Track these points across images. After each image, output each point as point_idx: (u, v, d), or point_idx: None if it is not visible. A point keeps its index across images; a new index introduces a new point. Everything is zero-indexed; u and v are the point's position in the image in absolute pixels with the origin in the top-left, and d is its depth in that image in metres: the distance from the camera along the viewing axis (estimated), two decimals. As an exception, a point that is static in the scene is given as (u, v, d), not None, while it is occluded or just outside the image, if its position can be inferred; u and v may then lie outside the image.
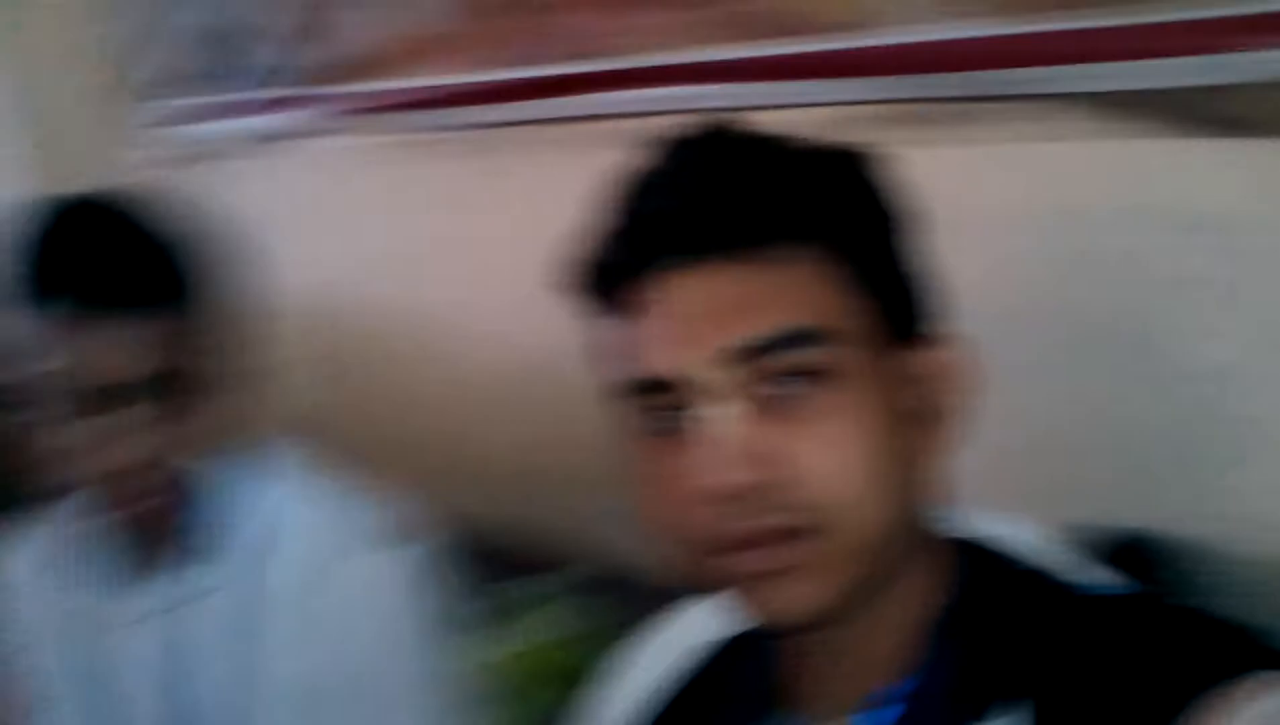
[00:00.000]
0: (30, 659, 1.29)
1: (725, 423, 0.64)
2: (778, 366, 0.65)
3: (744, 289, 0.65)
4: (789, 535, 0.64)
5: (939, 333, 0.72)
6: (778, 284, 0.66)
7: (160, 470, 1.12)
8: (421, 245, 1.91)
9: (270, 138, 2.17)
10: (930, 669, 0.68)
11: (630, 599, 1.21)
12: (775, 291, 0.65)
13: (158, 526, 1.18)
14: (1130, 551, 1.08)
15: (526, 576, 1.64)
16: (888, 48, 1.27)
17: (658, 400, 0.67)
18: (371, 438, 1.80)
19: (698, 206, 0.66)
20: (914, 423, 0.68)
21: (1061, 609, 0.67)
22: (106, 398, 1.06)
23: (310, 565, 1.18)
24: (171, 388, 1.09)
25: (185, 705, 1.20)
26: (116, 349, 1.07)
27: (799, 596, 0.65)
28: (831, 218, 0.68)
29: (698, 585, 0.72)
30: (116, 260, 1.09)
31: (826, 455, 0.64)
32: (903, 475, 0.67)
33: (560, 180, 1.15)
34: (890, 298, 0.69)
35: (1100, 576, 0.70)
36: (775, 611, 0.66)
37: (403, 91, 1.87)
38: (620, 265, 0.69)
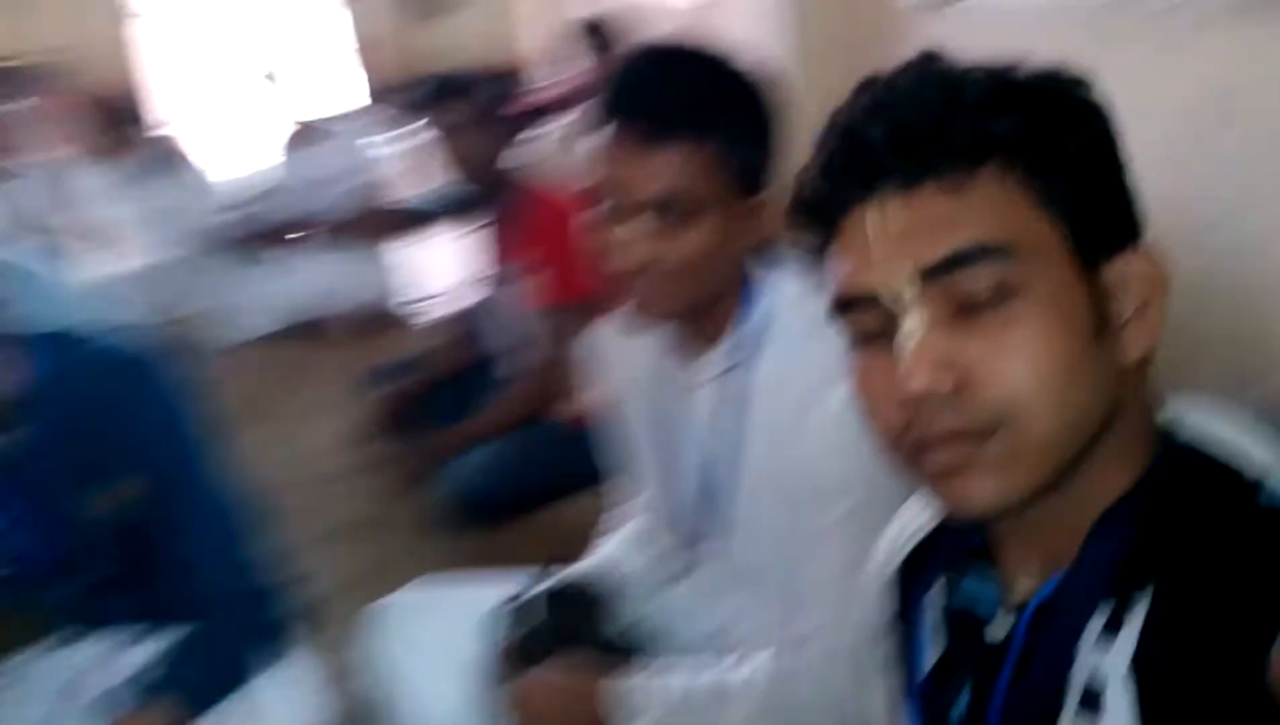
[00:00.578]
0: (618, 409, 1.59)
1: (920, 334, 0.71)
2: (969, 281, 0.71)
3: (940, 209, 0.72)
4: (975, 436, 0.71)
5: (1133, 242, 0.76)
6: (971, 203, 0.72)
7: (707, 268, 1.28)
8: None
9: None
10: (1085, 557, 0.74)
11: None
12: (968, 210, 0.72)
13: (702, 313, 1.34)
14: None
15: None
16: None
17: (864, 315, 0.75)
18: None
19: (907, 135, 0.72)
20: (1105, 330, 0.73)
21: (1234, 515, 0.71)
22: (654, 209, 1.24)
23: (796, 370, 1.29)
24: (717, 202, 1.26)
25: (713, 469, 1.41)
26: (668, 167, 1.23)
27: (982, 491, 0.72)
28: (1027, 139, 0.72)
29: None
30: (674, 89, 1.26)
31: (1012, 363, 0.70)
32: (1089, 381, 0.72)
33: None
34: (1083, 213, 0.73)
35: None
36: (961, 505, 0.74)
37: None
38: (833, 195, 0.76)
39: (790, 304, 1.35)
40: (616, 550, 1.72)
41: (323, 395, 3.20)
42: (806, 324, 1.30)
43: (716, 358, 1.40)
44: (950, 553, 0.87)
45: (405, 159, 3.97)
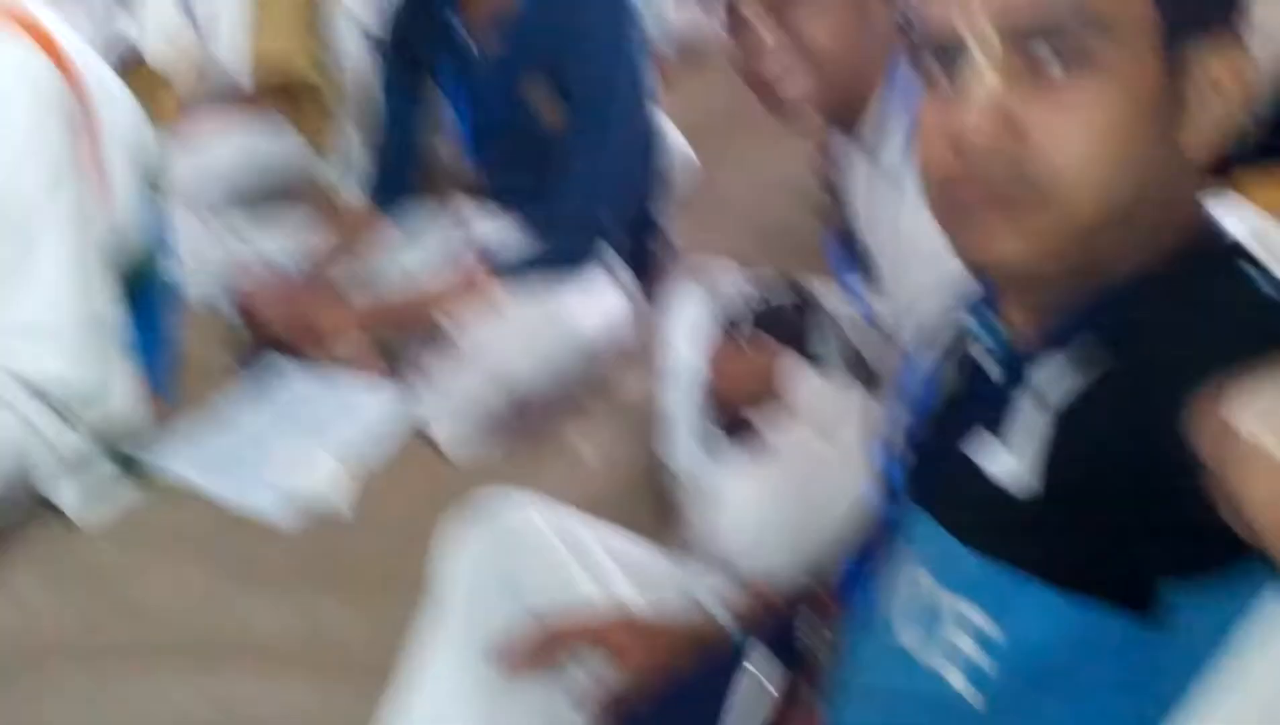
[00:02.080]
0: None
1: (991, 85, 0.71)
2: (1053, 45, 0.70)
3: None
4: (1018, 196, 0.72)
5: (1225, 32, 0.74)
6: None
7: None
8: None
9: None
10: (1071, 312, 0.75)
11: None
12: None
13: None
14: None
15: None
16: None
17: (943, 56, 0.74)
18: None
19: None
20: (1176, 121, 0.72)
21: (1237, 305, 0.69)
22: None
23: None
24: None
25: None
26: None
27: (1003, 250, 0.73)
28: None
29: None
30: None
31: (1070, 136, 0.70)
32: (1143, 170, 0.71)
33: None
34: None
35: None
36: (979, 258, 0.77)
37: None
38: None
39: None
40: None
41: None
42: None
43: (867, 134, 1.41)
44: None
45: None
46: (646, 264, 2.25)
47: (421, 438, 1.94)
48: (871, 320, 1.69)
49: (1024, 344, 0.80)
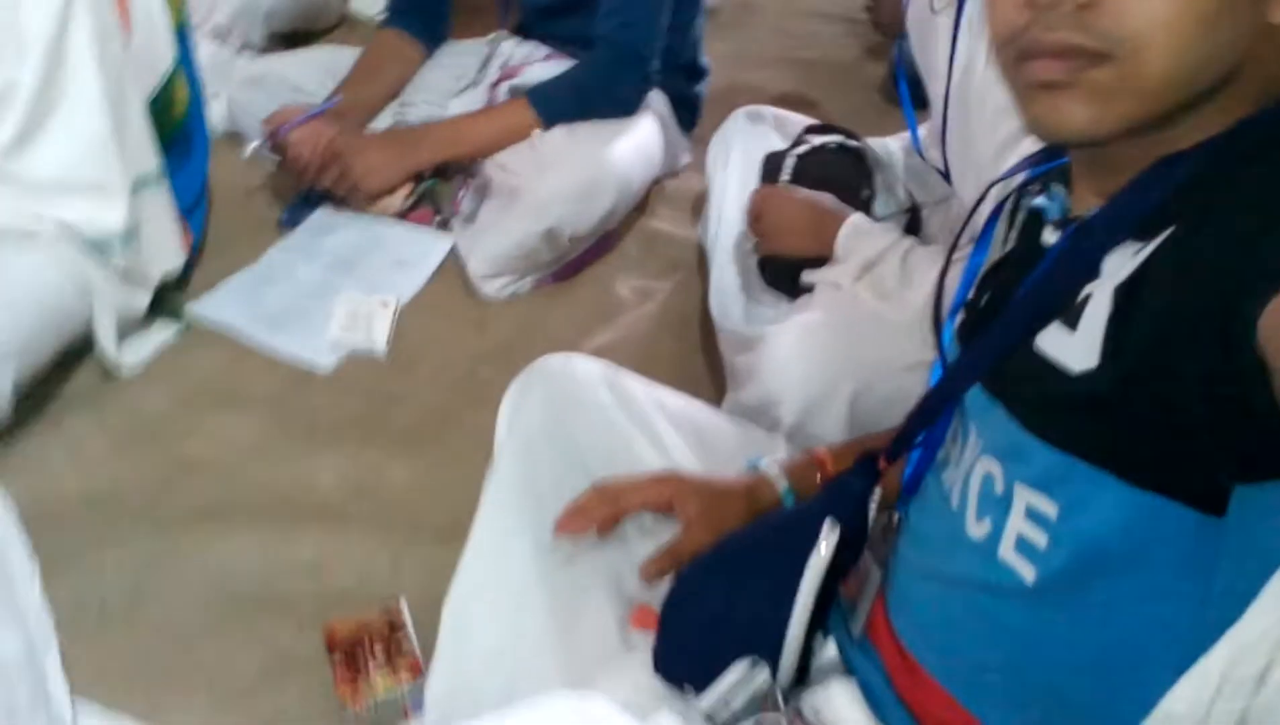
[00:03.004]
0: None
1: None
2: None
3: None
4: (1088, 57, 0.70)
5: None
6: None
7: None
8: None
9: None
10: (1135, 184, 0.74)
11: None
12: None
13: None
14: None
15: None
16: None
17: None
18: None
19: None
20: None
21: None
22: None
23: None
24: None
25: None
26: None
27: (1075, 115, 0.72)
28: None
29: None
30: None
31: None
32: (1221, 33, 0.69)
33: None
34: None
35: None
36: (1050, 123, 0.74)
37: None
38: None
39: None
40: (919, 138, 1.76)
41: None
42: None
43: None
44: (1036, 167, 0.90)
45: None
46: (690, 100, 2.21)
47: (461, 276, 1.94)
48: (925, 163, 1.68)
49: (1084, 213, 0.79)
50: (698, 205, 2.13)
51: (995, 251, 0.94)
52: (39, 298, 1.56)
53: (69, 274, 1.59)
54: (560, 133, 1.93)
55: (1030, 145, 0.99)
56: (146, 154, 1.68)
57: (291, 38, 2.62)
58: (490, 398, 1.26)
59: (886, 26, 2.84)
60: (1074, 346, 0.74)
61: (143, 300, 1.73)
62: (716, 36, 2.64)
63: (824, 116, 2.02)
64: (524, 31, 2.21)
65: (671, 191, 2.17)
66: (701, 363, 1.80)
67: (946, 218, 1.69)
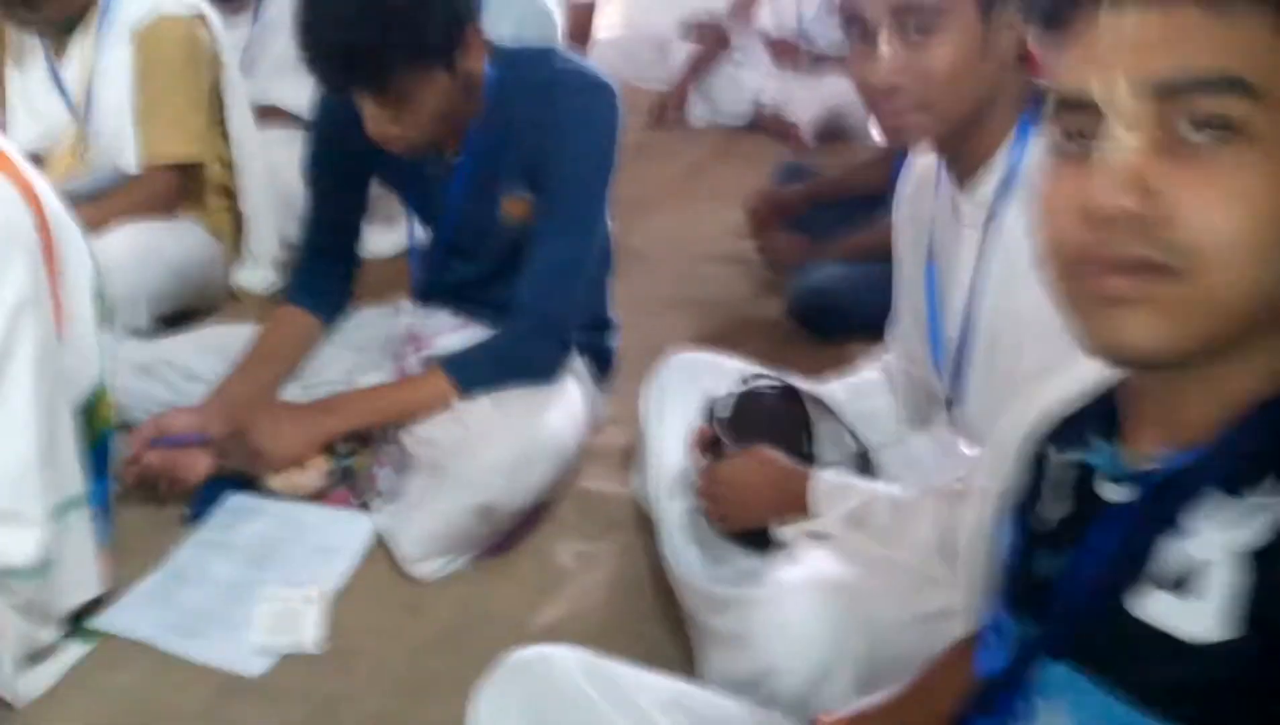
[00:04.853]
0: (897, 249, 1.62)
1: (1128, 150, 0.68)
2: (1195, 109, 0.66)
3: (1187, 26, 0.67)
4: (1159, 271, 0.67)
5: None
6: (1222, 30, 0.66)
7: (957, 85, 1.26)
8: None
9: None
10: (1227, 440, 0.71)
11: None
12: (1216, 36, 0.66)
13: (962, 143, 1.33)
14: None
15: None
16: None
17: (1076, 119, 0.71)
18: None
19: None
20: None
21: None
22: (894, 21, 1.23)
23: None
24: (963, 9, 1.23)
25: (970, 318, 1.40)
26: None
27: (1144, 331, 0.68)
28: None
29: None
30: None
31: (1217, 207, 0.65)
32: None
33: None
34: None
35: None
36: (1117, 341, 0.70)
37: None
38: None
39: None
40: (864, 381, 1.75)
41: (753, 183, 3.33)
42: None
43: (981, 196, 1.38)
44: (1083, 418, 0.86)
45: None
46: (604, 354, 2.17)
47: (388, 557, 1.82)
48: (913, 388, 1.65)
49: (1150, 464, 0.75)
50: (625, 459, 2.07)
51: (1044, 510, 0.89)
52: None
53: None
54: (485, 403, 1.84)
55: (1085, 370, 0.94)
56: (73, 476, 1.56)
57: (177, 318, 2.53)
58: (441, 692, 1.17)
59: (779, 264, 2.90)
60: (1190, 615, 0.69)
61: (49, 635, 1.57)
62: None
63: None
64: (429, 298, 2.16)
65: (596, 448, 2.10)
66: (661, 629, 1.70)
67: (907, 457, 1.66)
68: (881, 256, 2.61)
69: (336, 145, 2.00)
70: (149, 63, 2.44)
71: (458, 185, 1.94)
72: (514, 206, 1.92)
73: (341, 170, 2.05)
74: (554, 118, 1.84)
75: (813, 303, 2.63)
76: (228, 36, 2.66)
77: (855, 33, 1.30)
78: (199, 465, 1.90)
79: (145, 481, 1.90)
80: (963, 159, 1.38)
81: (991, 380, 1.41)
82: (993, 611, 0.91)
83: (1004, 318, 1.35)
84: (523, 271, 1.89)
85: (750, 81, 4.43)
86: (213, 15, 2.60)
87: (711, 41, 4.48)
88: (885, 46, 1.26)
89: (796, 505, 1.51)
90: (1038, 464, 0.90)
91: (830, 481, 1.52)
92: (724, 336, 2.63)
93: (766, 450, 1.60)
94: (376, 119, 1.73)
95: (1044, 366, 1.23)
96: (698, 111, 4.47)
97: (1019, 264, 1.30)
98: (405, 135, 1.76)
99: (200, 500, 1.93)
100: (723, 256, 3.12)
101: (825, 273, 2.65)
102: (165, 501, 1.92)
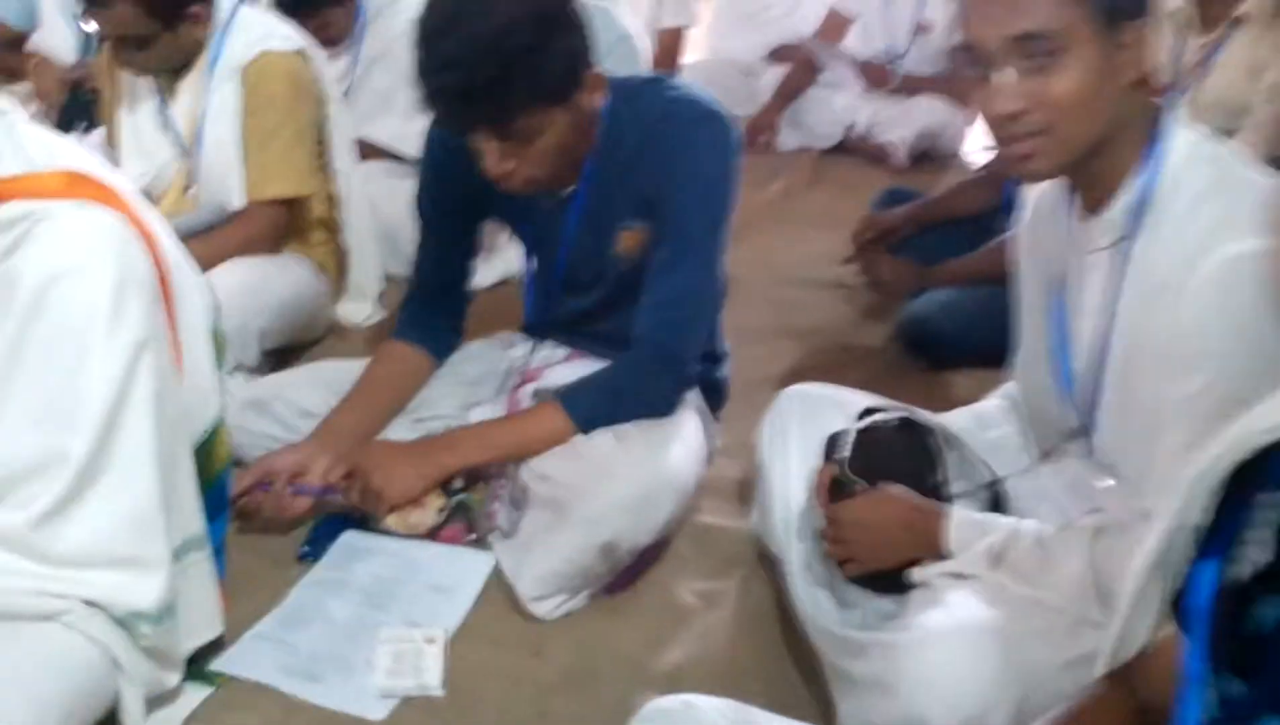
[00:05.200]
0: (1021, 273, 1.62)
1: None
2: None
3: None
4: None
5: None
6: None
7: (1087, 110, 1.26)
8: None
9: None
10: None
11: None
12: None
13: (1091, 167, 1.32)
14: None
15: None
16: None
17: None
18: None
19: None
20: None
21: None
22: (1019, 48, 1.24)
23: (1186, 232, 1.24)
24: (1087, 33, 1.23)
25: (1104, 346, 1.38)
26: (1025, 7, 1.24)
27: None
28: None
29: None
30: None
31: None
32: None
33: None
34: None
35: None
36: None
37: None
38: None
39: (1184, 161, 1.28)
40: (987, 410, 1.69)
41: (848, 207, 3.29)
42: (1200, 184, 1.25)
43: (1110, 221, 1.33)
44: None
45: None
46: (717, 386, 2.13)
47: (506, 596, 1.80)
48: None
49: None
50: (743, 493, 2.03)
51: (1248, 554, 0.83)
52: (63, 683, 1.39)
53: (96, 656, 1.42)
54: (605, 438, 1.81)
55: (1261, 414, 0.89)
56: (193, 516, 1.55)
57: (282, 352, 2.54)
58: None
59: (885, 290, 2.84)
60: None
61: (173, 679, 1.56)
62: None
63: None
64: (539, 331, 2.14)
65: (711, 481, 2.06)
66: (793, 671, 1.65)
67: (1036, 489, 1.60)
68: (992, 281, 2.58)
69: (448, 182, 1.98)
70: (255, 98, 2.45)
71: (572, 218, 1.92)
72: (629, 238, 1.89)
73: (453, 207, 2.03)
74: (668, 147, 1.81)
75: (923, 330, 2.57)
76: (329, 71, 2.68)
77: (976, 62, 1.28)
78: (299, 502, 1.89)
79: (248, 516, 1.90)
80: (1091, 185, 1.35)
81: (1128, 409, 1.37)
82: (1184, 660, 0.86)
83: (1141, 343, 1.31)
84: (641, 303, 1.85)
85: (840, 104, 4.38)
86: (315, 51, 2.62)
87: (799, 66, 4.45)
88: (1007, 76, 1.24)
89: (930, 545, 1.47)
90: (1236, 502, 0.85)
91: (966, 518, 1.46)
92: (828, 365, 2.59)
93: (892, 488, 1.55)
94: (495, 158, 1.71)
95: (1194, 393, 1.19)
96: (787, 136, 4.43)
97: (1156, 287, 1.27)
98: (523, 173, 1.74)
99: (315, 539, 1.92)
100: (822, 283, 3.07)
101: (934, 299, 2.60)
102: (269, 534, 1.91)
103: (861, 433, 1.66)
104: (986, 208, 2.89)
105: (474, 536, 1.91)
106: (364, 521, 1.92)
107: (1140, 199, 1.29)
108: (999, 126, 1.28)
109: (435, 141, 1.98)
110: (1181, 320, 1.21)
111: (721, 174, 1.84)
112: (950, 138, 4.28)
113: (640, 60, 3.34)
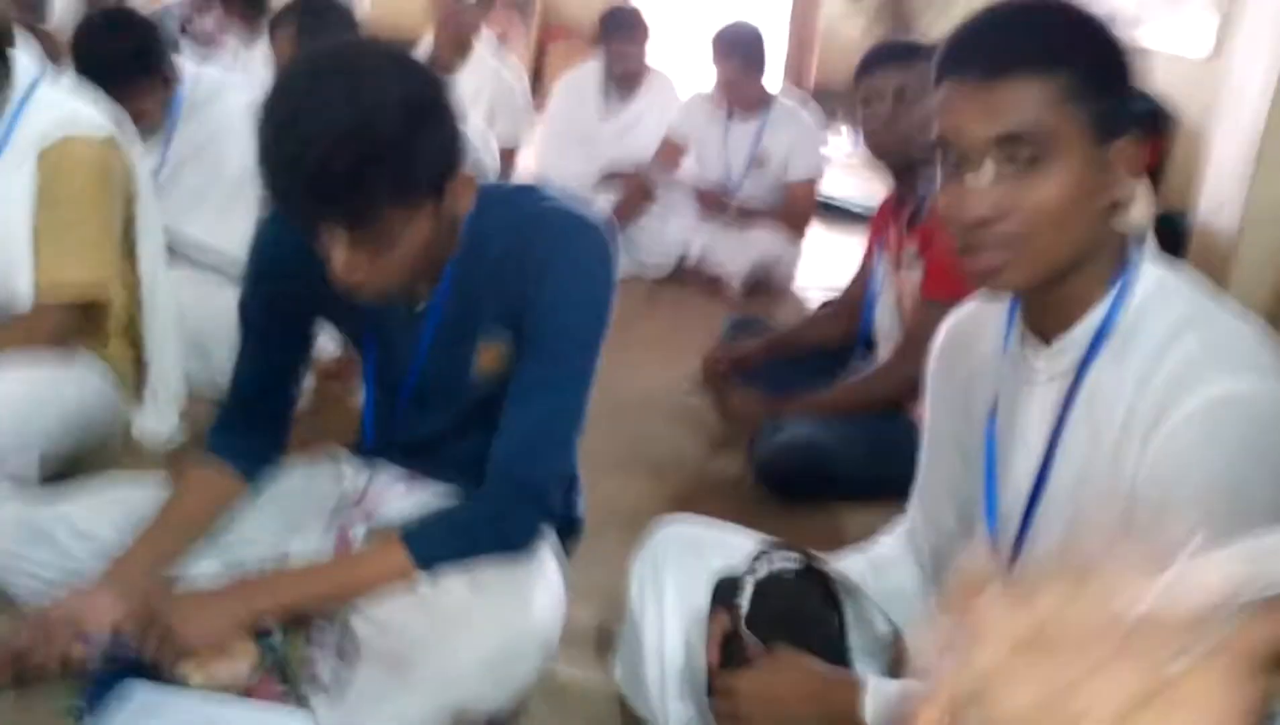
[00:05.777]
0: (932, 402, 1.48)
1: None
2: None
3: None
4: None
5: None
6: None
7: (1063, 224, 1.14)
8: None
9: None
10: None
11: None
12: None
13: (1059, 285, 1.19)
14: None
15: None
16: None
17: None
18: None
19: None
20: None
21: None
22: (1000, 149, 1.13)
23: (1159, 367, 1.13)
24: (1071, 144, 1.13)
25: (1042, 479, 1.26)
26: (1012, 99, 1.12)
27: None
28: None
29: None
30: (1017, 27, 1.17)
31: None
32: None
33: None
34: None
35: None
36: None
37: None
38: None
39: (1153, 294, 1.18)
40: (884, 554, 1.55)
41: (684, 336, 3.19)
42: (1173, 318, 1.15)
43: (1062, 351, 1.21)
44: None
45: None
46: (572, 523, 1.92)
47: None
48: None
49: None
50: (600, 641, 1.81)
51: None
52: None
53: None
54: (458, 583, 1.57)
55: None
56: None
57: (68, 465, 2.21)
58: None
59: (736, 421, 2.72)
60: None
61: None
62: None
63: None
64: (376, 454, 1.89)
65: (565, 627, 1.84)
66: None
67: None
68: (843, 415, 2.51)
69: (280, 280, 1.74)
70: (54, 188, 2.17)
71: (427, 332, 1.69)
72: (489, 355, 1.68)
73: (283, 310, 1.78)
74: (540, 255, 1.62)
75: (784, 462, 2.44)
76: (142, 161, 2.42)
77: (950, 160, 1.16)
78: (75, 647, 1.58)
79: (20, 663, 1.58)
80: (1048, 312, 1.23)
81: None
82: None
83: (1092, 481, 1.19)
84: (501, 427, 1.64)
85: (675, 232, 4.33)
86: (126, 139, 2.36)
87: (633, 190, 4.38)
88: (983, 178, 1.13)
89: (843, 720, 1.29)
90: None
91: (882, 688, 1.30)
92: (685, 498, 2.43)
93: (797, 656, 1.38)
94: (346, 263, 1.48)
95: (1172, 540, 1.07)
96: (620, 263, 4.33)
97: (1114, 425, 1.15)
98: (378, 282, 1.52)
99: (95, 692, 1.60)
100: (669, 412, 2.93)
101: (796, 431, 2.48)
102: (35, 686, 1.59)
103: (761, 583, 1.48)
104: (840, 341, 2.84)
105: (286, 690, 1.63)
106: (156, 673, 1.61)
107: (1100, 330, 1.18)
108: (966, 234, 1.15)
109: (268, 234, 1.75)
110: (1158, 463, 1.09)
111: (598, 288, 1.67)
112: (785, 269, 4.27)
113: (489, 176, 3.19)
